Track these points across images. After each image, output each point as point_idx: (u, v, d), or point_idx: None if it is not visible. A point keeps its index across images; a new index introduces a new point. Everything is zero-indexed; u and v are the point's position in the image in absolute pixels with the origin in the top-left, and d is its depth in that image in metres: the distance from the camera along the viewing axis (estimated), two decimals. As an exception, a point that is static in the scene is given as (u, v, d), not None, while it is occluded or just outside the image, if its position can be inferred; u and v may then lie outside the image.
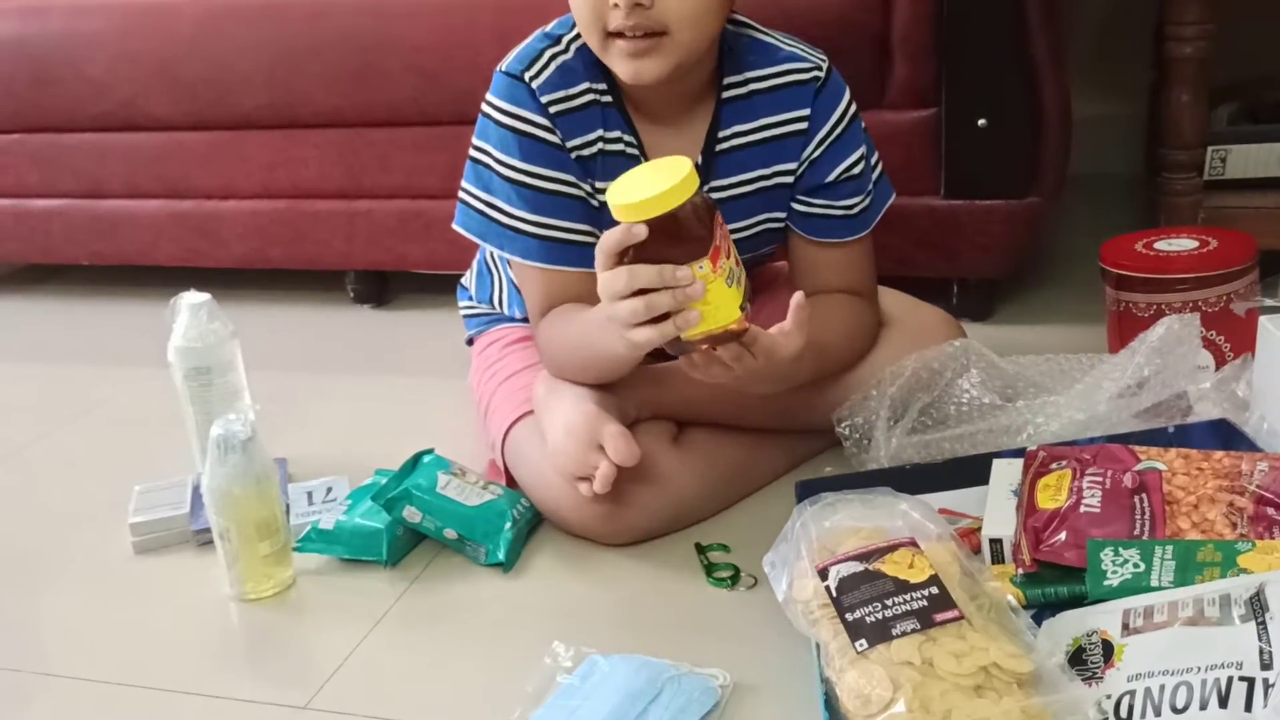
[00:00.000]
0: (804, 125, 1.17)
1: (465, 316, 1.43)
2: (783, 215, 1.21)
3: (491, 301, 1.38)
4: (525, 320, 1.31)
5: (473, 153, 1.18)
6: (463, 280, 1.45)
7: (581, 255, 1.15)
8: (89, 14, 1.83)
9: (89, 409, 1.59)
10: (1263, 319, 1.04)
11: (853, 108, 1.19)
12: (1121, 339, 1.21)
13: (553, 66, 1.14)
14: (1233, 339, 1.20)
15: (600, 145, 1.16)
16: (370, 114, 1.71)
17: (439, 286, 1.85)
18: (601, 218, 1.17)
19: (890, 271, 1.40)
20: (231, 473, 1.06)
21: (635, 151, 1.17)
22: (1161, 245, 1.27)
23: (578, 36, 1.14)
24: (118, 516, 1.23)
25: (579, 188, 1.16)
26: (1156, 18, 1.56)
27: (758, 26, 1.20)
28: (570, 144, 1.14)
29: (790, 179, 1.19)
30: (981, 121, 1.45)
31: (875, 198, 1.23)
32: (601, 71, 1.15)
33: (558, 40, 1.15)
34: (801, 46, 1.19)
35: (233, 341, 1.27)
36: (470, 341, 1.42)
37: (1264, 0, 1.84)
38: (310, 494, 1.24)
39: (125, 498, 1.25)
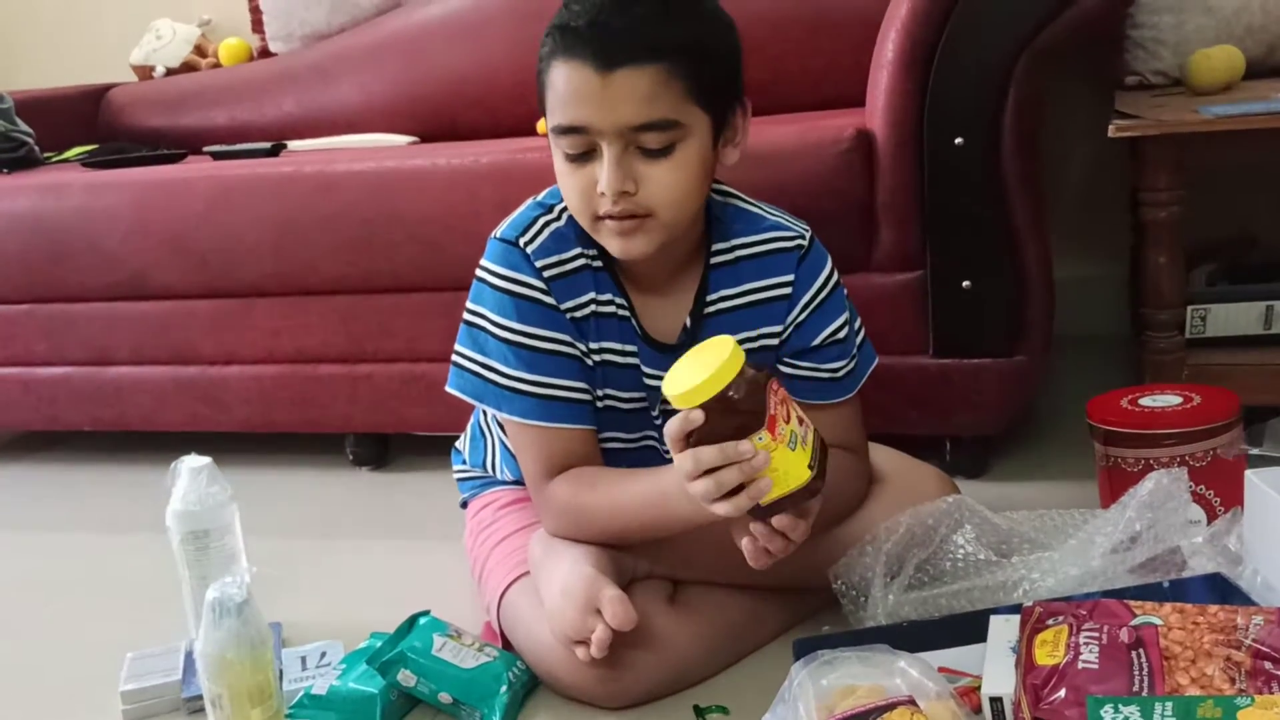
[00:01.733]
0: (788, 290, 1.21)
1: (459, 480, 1.44)
2: None
3: (484, 465, 1.39)
4: (517, 483, 1.33)
5: (467, 317, 1.21)
6: (457, 444, 1.46)
7: (579, 413, 1.18)
8: (105, 190, 1.90)
9: (86, 576, 1.59)
10: (1249, 474, 1.05)
11: (835, 275, 1.23)
12: (1112, 494, 1.22)
13: (546, 233, 1.18)
14: (1222, 493, 1.21)
15: (593, 307, 1.19)
16: (374, 281, 1.76)
17: (438, 449, 1.86)
18: (595, 376, 1.20)
19: (883, 430, 1.42)
20: (225, 637, 1.05)
21: (626, 314, 1.20)
22: (1146, 401, 1.29)
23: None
24: (110, 685, 1.22)
25: (575, 347, 1.19)
26: (1132, 183, 1.63)
27: (742, 196, 1.24)
28: (564, 306, 1.18)
29: (775, 341, 1.22)
30: (966, 283, 1.50)
31: (859, 362, 1.25)
32: (592, 238, 1.19)
33: (550, 209, 1.20)
34: (785, 216, 1.23)
35: (231, 505, 1.27)
36: (465, 505, 1.43)
37: (1235, 166, 1.92)
38: (304, 659, 1.23)
39: (118, 665, 1.24)
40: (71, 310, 1.95)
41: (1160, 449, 1.23)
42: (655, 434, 1.25)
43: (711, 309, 1.21)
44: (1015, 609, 1.03)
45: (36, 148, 2.27)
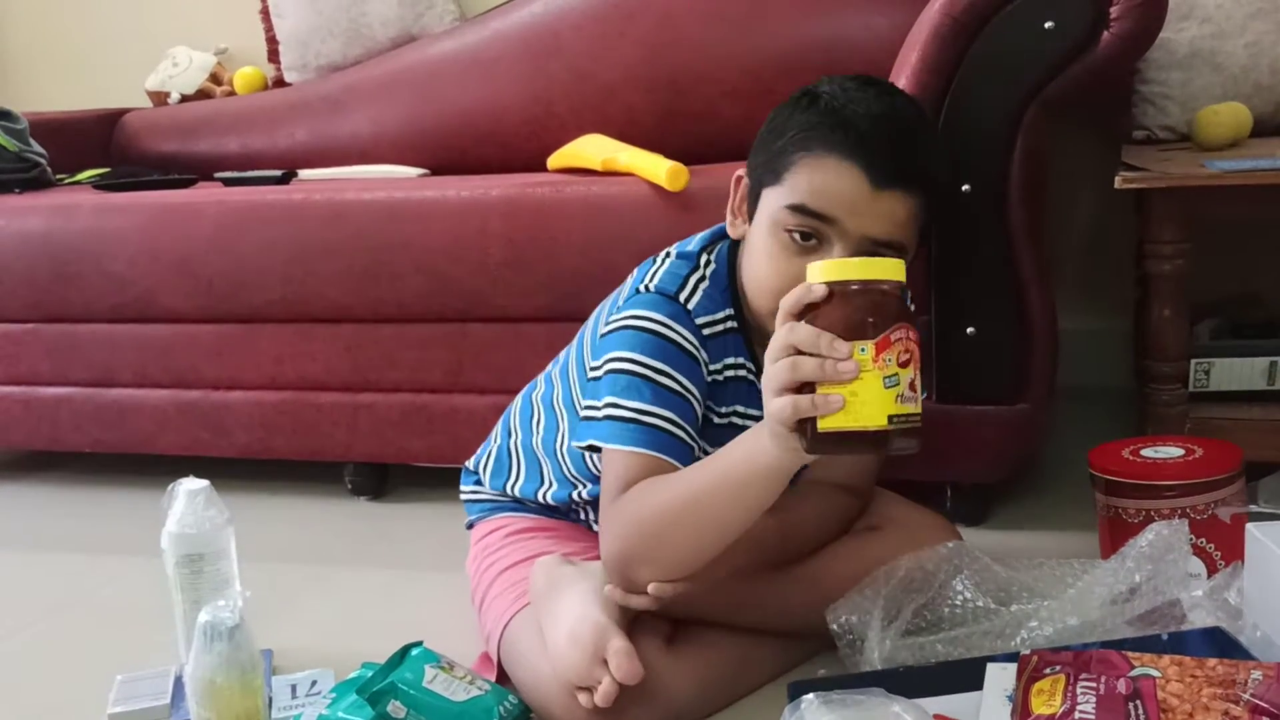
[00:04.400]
0: None
1: (467, 501, 1.44)
2: None
3: (504, 490, 1.39)
4: (528, 510, 1.35)
5: (615, 365, 1.17)
6: (468, 464, 1.46)
7: (680, 451, 1.14)
8: (115, 212, 1.91)
9: (80, 597, 1.58)
10: (1250, 527, 1.04)
11: None
12: (1113, 544, 1.21)
13: (700, 292, 1.19)
14: (1222, 546, 1.20)
15: (728, 372, 1.21)
16: (379, 310, 1.77)
17: (436, 480, 1.87)
18: (708, 433, 1.19)
19: (885, 475, 1.41)
20: (216, 661, 1.05)
21: (753, 378, 1.21)
22: (1149, 452, 1.29)
23: (709, 262, 1.21)
24: (98, 706, 1.21)
25: (701, 402, 1.18)
26: (1138, 236, 1.63)
27: None
28: (714, 366, 1.19)
29: None
30: (970, 330, 1.50)
31: None
32: (731, 299, 1.20)
33: (696, 265, 1.20)
34: None
35: (227, 529, 1.27)
36: (470, 526, 1.43)
37: (1240, 223, 1.93)
38: (294, 687, 1.22)
39: (107, 687, 1.23)
40: (76, 331, 1.95)
41: (1161, 500, 1.22)
42: None
43: None
44: (1013, 657, 1.03)
45: (49, 169, 2.28)
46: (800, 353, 0.92)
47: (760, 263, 1.14)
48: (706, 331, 1.18)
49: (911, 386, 0.93)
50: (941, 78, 1.45)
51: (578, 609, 1.11)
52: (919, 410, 0.94)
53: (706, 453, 1.13)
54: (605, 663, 1.05)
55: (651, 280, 1.20)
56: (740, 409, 1.22)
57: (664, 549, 1.09)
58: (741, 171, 1.19)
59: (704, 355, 1.17)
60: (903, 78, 1.48)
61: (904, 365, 0.92)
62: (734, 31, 2.08)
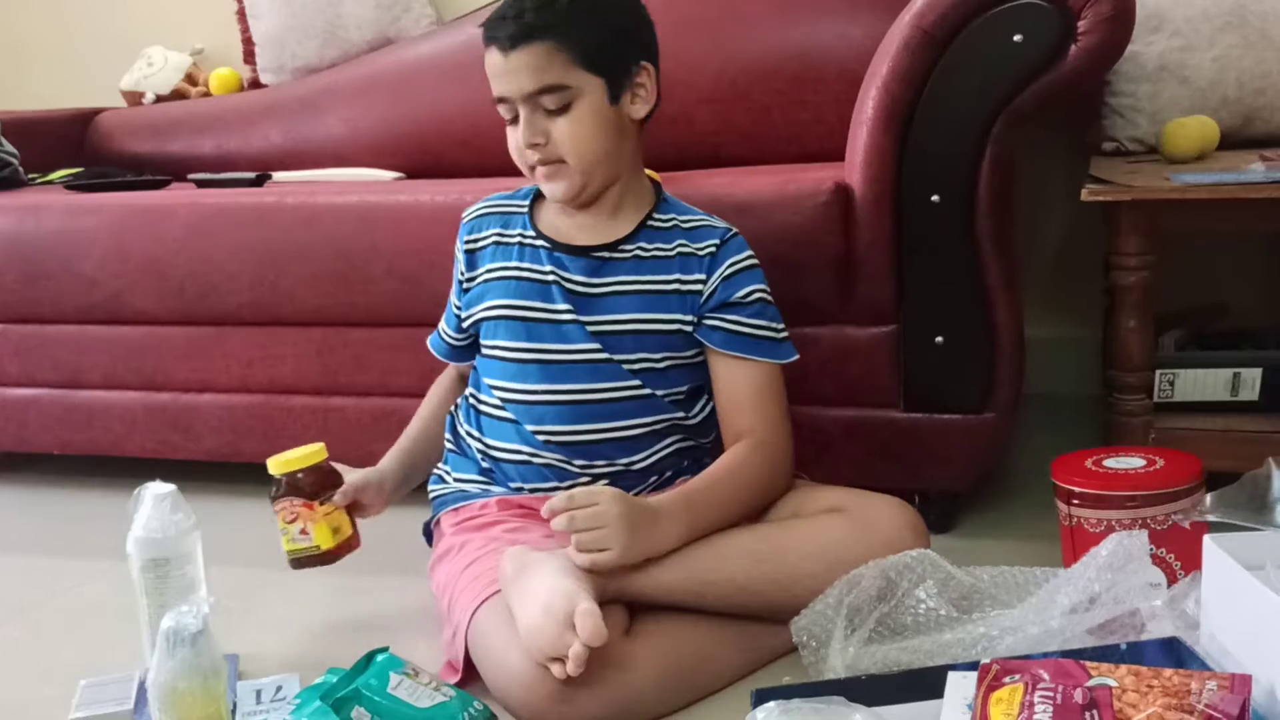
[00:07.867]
0: (713, 250, 1.36)
1: (433, 499, 1.46)
2: (669, 318, 1.35)
3: (456, 432, 1.45)
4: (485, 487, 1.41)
5: None
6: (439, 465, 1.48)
7: (438, 346, 1.53)
8: (84, 213, 1.90)
9: (44, 600, 1.57)
10: (1207, 539, 1.05)
11: (755, 260, 1.38)
12: (1075, 553, 1.23)
13: (494, 200, 1.47)
14: (1182, 556, 1.22)
15: (495, 239, 1.43)
16: (350, 314, 1.77)
17: (406, 485, 1.86)
18: (470, 296, 1.44)
19: (853, 483, 1.42)
20: (178, 667, 1.05)
21: (538, 242, 1.39)
22: (1110, 463, 1.30)
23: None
24: (61, 711, 1.20)
25: (461, 305, 1.46)
26: (1105, 247, 1.65)
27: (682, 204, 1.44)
28: (466, 238, 1.45)
29: (699, 287, 1.35)
30: (938, 339, 1.51)
31: (783, 346, 1.37)
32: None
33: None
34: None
35: (194, 533, 1.27)
36: (427, 531, 1.45)
37: (1207, 234, 1.95)
38: (259, 692, 1.22)
39: (70, 692, 1.22)
40: (45, 331, 1.94)
41: (1122, 511, 1.23)
42: (551, 344, 1.36)
43: (625, 254, 1.38)
44: (973, 666, 1.03)
45: (21, 169, 2.27)
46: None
47: (508, 145, 1.38)
48: (474, 217, 1.45)
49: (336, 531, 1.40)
50: (911, 88, 1.46)
51: (550, 581, 1.14)
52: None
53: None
54: (575, 629, 1.07)
55: None
56: (516, 264, 1.40)
57: None
58: None
59: (463, 255, 1.46)
60: (873, 87, 1.49)
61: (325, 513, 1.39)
62: (709, 39, 2.09)
